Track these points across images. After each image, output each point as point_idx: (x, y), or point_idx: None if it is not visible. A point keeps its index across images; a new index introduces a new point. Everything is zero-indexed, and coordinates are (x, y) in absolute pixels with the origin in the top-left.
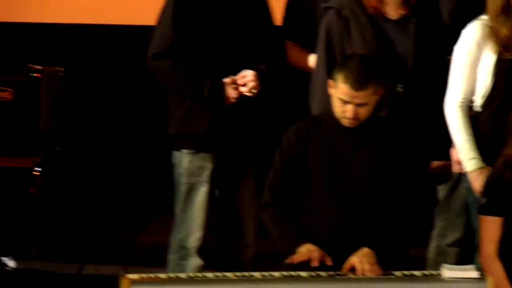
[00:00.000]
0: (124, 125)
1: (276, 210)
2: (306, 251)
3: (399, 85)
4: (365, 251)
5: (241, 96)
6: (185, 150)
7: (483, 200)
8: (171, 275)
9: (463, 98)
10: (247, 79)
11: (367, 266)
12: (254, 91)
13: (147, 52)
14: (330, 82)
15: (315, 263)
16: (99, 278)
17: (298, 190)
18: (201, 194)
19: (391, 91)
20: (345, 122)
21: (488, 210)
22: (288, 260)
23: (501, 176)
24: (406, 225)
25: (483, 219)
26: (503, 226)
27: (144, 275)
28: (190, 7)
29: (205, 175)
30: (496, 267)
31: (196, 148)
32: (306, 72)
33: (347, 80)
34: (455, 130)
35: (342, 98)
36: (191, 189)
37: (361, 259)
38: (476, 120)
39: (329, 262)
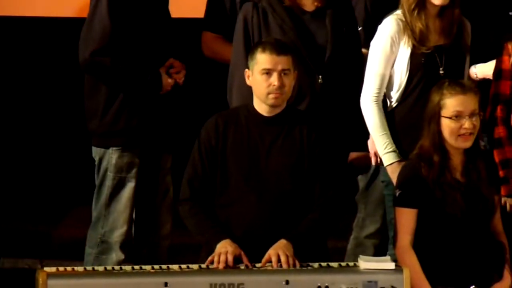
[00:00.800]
0: (41, 119)
1: (195, 204)
2: (223, 251)
3: (319, 76)
4: (282, 243)
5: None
6: (114, 147)
7: (398, 192)
8: (88, 268)
9: (378, 93)
10: (178, 68)
11: (283, 258)
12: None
13: (81, 50)
14: (247, 71)
15: (230, 264)
16: (16, 271)
17: (217, 183)
18: (128, 190)
19: (312, 81)
20: (271, 98)
21: (403, 202)
22: (206, 263)
23: (416, 169)
24: (323, 216)
25: (398, 211)
26: (417, 218)
27: (61, 268)
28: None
29: (134, 171)
30: (411, 258)
31: (126, 144)
32: (226, 65)
33: (265, 50)
34: (371, 124)
35: (265, 68)
36: (119, 185)
37: (277, 251)
38: (392, 114)
39: (245, 261)
